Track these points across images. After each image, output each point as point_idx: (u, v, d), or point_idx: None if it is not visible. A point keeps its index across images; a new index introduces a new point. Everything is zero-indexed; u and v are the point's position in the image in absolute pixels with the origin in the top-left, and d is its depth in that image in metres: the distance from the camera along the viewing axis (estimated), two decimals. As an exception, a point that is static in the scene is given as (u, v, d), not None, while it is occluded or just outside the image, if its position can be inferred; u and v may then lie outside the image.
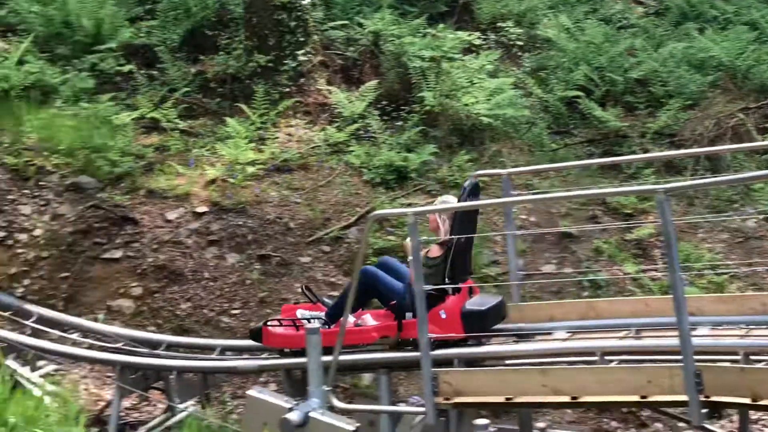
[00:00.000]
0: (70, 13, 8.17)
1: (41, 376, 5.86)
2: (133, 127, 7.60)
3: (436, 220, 5.08)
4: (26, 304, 6.46)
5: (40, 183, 7.13)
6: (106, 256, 6.94)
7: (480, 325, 4.97)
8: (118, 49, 8.27)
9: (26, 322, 6.31)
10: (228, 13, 8.94)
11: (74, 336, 6.36)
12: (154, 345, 6.21)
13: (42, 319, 6.41)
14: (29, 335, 6.14)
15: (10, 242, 6.88)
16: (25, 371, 5.84)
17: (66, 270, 6.88)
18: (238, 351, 6.08)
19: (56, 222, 7.02)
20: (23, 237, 6.90)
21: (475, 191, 5.23)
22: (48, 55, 8.18)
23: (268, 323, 5.39)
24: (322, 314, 5.34)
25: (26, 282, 6.88)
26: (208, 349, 6.13)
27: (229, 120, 7.78)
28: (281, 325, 5.39)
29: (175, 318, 6.78)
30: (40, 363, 6.07)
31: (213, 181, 7.28)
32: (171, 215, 7.14)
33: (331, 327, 5.13)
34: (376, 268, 5.27)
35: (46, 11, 8.33)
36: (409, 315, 4.96)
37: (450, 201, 5.25)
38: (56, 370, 6.19)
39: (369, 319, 5.17)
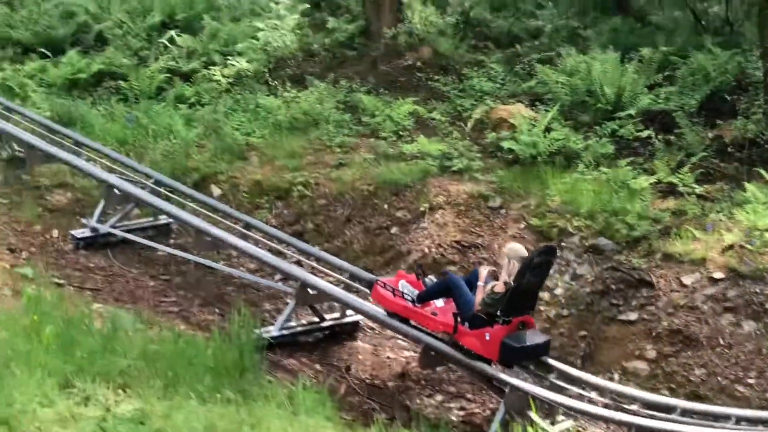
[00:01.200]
0: (593, 82, 9.85)
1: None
2: (650, 191, 8.66)
3: (506, 262, 7.08)
4: (548, 359, 7.50)
5: (562, 244, 8.53)
6: (622, 317, 8.01)
7: (515, 356, 7.10)
8: (637, 115, 9.57)
9: (547, 377, 7.44)
10: (747, 76, 9.84)
11: (591, 394, 7.28)
12: (667, 409, 6.97)
13: (562, 375, 7.40)
14: (549, 389, 7.18)
15: (533, 300, 8.74)
16: (545, 424, 6.88)
17: (584, 329, 8.28)
18: (753, 422, 6.71)
19: (576, 282, 8.42)
20: (545, 295, 8.62)
21: (548, 252, 7.25)
22: (572, 123, 9.83)
23: (379, 281, 7.70)
24: (416, 292, 7.48)
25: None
26: (723, 417, 6.81)
27: (747, 185, 8.41)
28: (384, 287, 7.54)
29: (688, 383, 7.55)
30: (560, 417, 7.17)
31: (730, 247, 7.93)
32: (687, 280, 7.96)
33: (416, 306, 7.41)
34: (461, 278, 7.45)
35: (571, 81, 10.14)
36: (466, 325, 7.13)
37: (516, 248, 7.25)
38: (574, 426, 7.16)
39: (439, 302, 7.43)
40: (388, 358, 8.35)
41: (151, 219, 10.01)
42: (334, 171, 10.28)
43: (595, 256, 8.50)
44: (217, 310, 8.63)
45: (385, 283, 7.70)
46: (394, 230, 9.44)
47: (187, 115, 12.12)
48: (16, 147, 10.89)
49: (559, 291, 8.45)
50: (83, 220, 9.72)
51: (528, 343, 7.18)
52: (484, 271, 7.33)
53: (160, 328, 7.44)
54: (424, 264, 8.74)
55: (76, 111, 12.21)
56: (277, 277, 8.94)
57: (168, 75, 13.19)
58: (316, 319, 8.43)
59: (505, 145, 9.65)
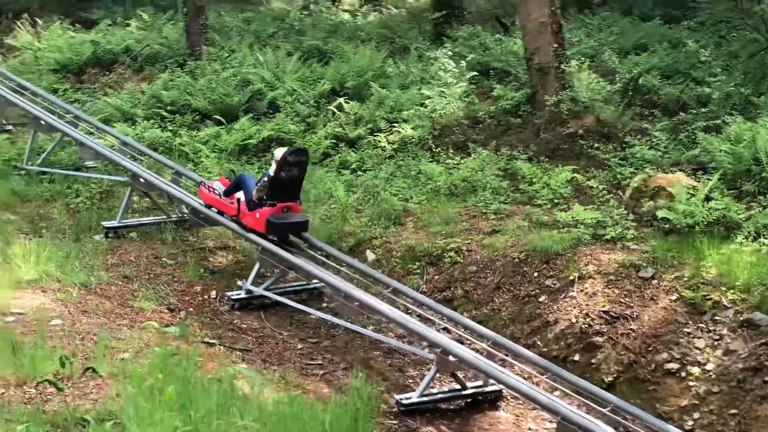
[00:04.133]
0: (758, 151, 10.00)
1: None
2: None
3: (273, 163, 10.49)
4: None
5: (716, 318, 8.68)
6: (777, 396, 8.27)
7: (276, 229, 10.50)
8: None
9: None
10: None
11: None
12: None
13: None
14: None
15: (682, 374, 8.53)
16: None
17: (734, 407, 8.29)
18: None
19: (728, 357, 8.60)
20: (695, 370, 8.64)
21: (298, 152, 10.66)
22: (734, 192, 9.92)
23: (203, 183, 11.64)
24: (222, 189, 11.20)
25: (696, 415, 8.62)
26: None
27: None
28: (206, 187, 11.39)
29: None
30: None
31: None
32: None
33: (222, 198, 11.11)
34: (250, 176, 11.22)
35: (735, 149, 10.26)
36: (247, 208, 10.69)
37: (277, 152, 10.66)
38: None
39: (219, 187, 11.28)
40: (530, 429, 8.62)
41: (304, 282, 10.67)
42: (486, 238, 10.73)
43: (749, 331, 8.51)
44: (360, 374, 9.12)
45: (207, 185, 11.44)
46: (542, 298, 9.75)
47: (349, 180, 12.90)
48: (184, 209, 11.89)
49: (710, 366, 8.49)
50: (239, 282, 10.49)
51: (288, 221, 10.59)
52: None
53: (286, 389, 8.00)
54: (570, 333, 9.05)
55: (243, 176, 13.16)
56: (424, 343, 9.35)
57: (334, 141, 14.08)
58: (458, 387, 8.80)
59: (661, 214, 9.83)
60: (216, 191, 11.28)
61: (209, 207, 11.35)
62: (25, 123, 15.01)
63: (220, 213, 11.18)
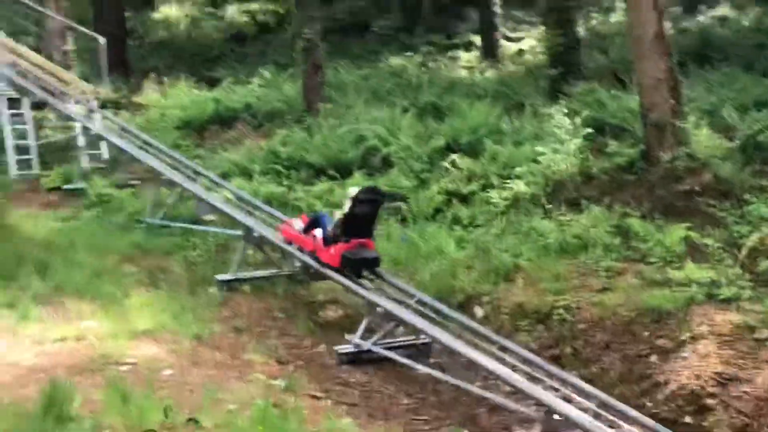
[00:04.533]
0: None
1: None
2: None
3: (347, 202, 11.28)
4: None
5: None
6: None
7: (351, 264, 11.15)
8: None
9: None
10: None
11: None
12: None
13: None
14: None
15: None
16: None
17: None
18: None
19: None
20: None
21: (370, 191, 11.53)
22: None
23: (285, 221, 12.68)
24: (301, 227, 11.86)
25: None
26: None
27: None
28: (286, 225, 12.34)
29: None
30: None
31: None
32: None
33: (301, 235, 11.77)
34: (326, 214, 12.00)
35: None
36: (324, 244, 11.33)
37: (349, 191, 11.70)
38: None
39: (300, 224, 12.04)
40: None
41: (412, 337, 10.73)
42: (596, 295, 10.64)
43: None
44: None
45: (288, 223, 12.38)
46: (652, 358, 9.60)
47: (460, 236, 12.98)
48: (296, 263, 12.12)
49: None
50: (347, 337, 10.63)
51: (361, 256, 11.20)
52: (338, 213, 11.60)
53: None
54: (681, 395, 8.90)
55: (355, 231, 13.37)
56: (530, 401, 9.30)
57: (446, 197, 14.17)
58: (565, 446, 8.72)
59: (778, 273, 9.60)
60: (296, 228, 11.99)
61: (289, 243, 12.06)
62: (149, 178, 15.55)
63: (300, 249, 11.84)
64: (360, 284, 11.11)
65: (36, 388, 7.57)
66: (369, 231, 11.37)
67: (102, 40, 19.04)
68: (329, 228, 11.43)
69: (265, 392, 8.51)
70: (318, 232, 11.55)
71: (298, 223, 12.09)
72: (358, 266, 11.23)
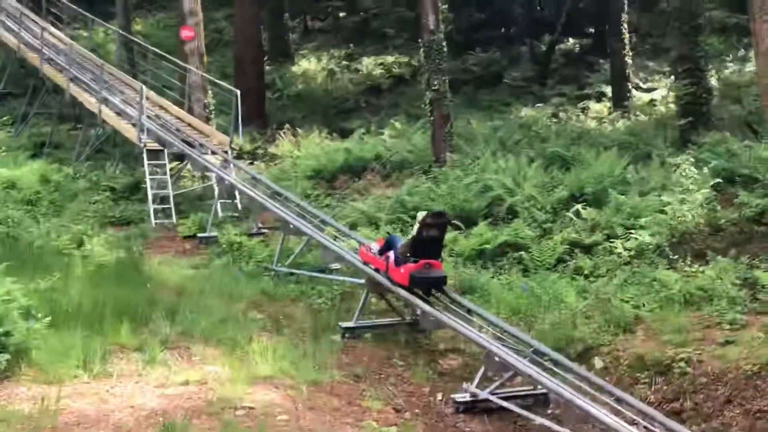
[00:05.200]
0: None
1: None
2: None
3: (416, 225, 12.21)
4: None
5: None
6: None
7: (419, 283, 11.94)
8: None
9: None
10: None
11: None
12: None
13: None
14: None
15: None
16: None
17: None
18: None
19: None
20: None
21: (437, 215, 12.27)
22: None
23: (364, 244, 13.46)
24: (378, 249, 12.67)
25: None
26: None
27: None
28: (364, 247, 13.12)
29: None
30: None
31: None
32: None
33: (377, 257, 12.57)
34: (398, 237, 12.89)
35: None
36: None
37: (419, 216, 12.34)
38: None
39: (376, 247, 12.83)
40: None
41: (530, 387, 10.60)
42: (719, 348, 10.32)
43: None
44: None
45: (366, 246, 13.15)
46: (777, 415, 9.22)
47: (581, 286, 12.80)
48: (417, 312, 12.16)
49: None
50: (464, 385, 10.57)
51: (428, 276, 11.91)
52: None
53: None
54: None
55: (476, 280, 13.41)
56: (647, 456, 9.08)
57: (569, 247, 14.03)
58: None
59: None
60: (372, 251, 12.80)
61: (366, 264, 12.89)
62: (278, 227, 15.88)
63: (377, 270, 12.59)
64: (476, 333, 11.07)
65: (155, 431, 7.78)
66: (436, 252, 12.16)
67: (237, 92, 19.58)
68: (399, 249, 12.18)
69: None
70: (392, 254, 12.25)
71: (375, 246, 12.88)
72: (425, 284, 12.02)
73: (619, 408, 9.58)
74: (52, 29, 27.03)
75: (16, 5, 28.43)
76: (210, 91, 22.82)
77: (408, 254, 12.01)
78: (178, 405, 9.02)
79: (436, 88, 18.74)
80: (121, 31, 27.83)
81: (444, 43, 18.98)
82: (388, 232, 14.12)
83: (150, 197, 18.38)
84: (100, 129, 22.50)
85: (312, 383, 10.32)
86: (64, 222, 17.24)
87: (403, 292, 12.05)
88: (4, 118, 25.59)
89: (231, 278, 14.31)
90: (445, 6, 28.11)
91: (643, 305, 11.77)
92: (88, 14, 27.36)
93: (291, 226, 14.95)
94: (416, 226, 12.13)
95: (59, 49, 25.14)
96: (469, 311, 11.80)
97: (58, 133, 25.02)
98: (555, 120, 22.85)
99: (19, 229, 16.34)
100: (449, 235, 15.04)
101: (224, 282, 14.05)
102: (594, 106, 24.66)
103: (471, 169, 17.63)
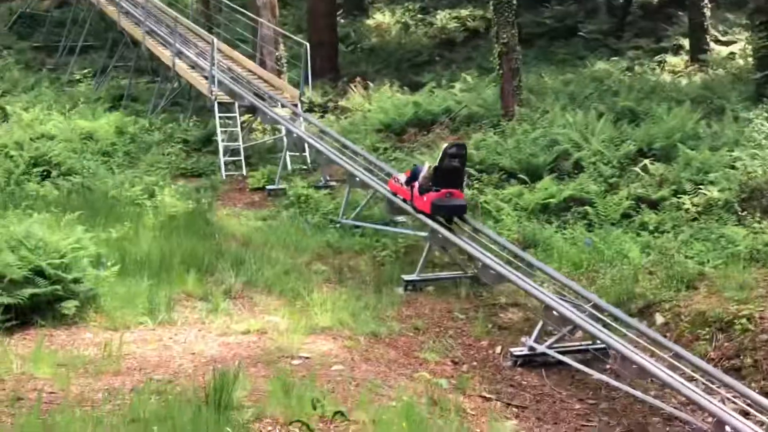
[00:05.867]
0: None
1: None
2: None
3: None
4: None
5: None
6: None
7: (440, 210, 12.66)
8: None
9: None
10: None
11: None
12: None
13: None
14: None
15: None
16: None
17: None
18: None
19: None
20: None
21: (458, 146, 12.98)
22: None
23: (393, 175, 14.14)
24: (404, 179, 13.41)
25: None
26: None
27: None
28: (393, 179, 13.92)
29: None
30: None
31: None
32: None
33: (403, 186, 13.30)
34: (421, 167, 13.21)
35: None
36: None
37: (442, 147, 13.07)
38: None
39: (402, 178, 13.54)
40: None
41: (588, 342, 10.54)
42: (782, 306, 10.09)
43: None
44: (637, 440, 8.92)
45: (395, 177, 13.86)
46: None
47: (645, 242, 12.64)
48: (477, 265, 12.15)
49: None
50: (522, 339, 10.55)
51: (449, 204, 12.62)
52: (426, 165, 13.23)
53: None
54: None
55: (540, 234, 13.34)
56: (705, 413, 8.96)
57: (634, 202, 13.83)
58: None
59: None
60: (400, 182, 13.53)
61: (395, 194, 13.68)
62: (344, 180, 15.95)
63: (404, 200, 13.40)
64: (536, 287, 11.02)
65: (211, 378, 7.93)
66: (457, 181, 12.80)
67: (306, 45, 19.61)
68: (421, 179, 12.85)
69: (428, 390, 8.58)
70: (417, 184, 12.95)
71: (403, 177, 13.53)
72: (445, 212, 12.68)
73: (677, 364, 9.48)
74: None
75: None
76: (282, 45, 22.87)
77: (431, 184, 12.68)
78: (236, 353, 9.18)
79: (505, 41, 18.50)
80: (196, -15, 28.04)
81: (514, -3, 18.71)
82: (414, 164, 14.43)
83: (221, 149, 18.58)
84: (175, 82, 22.77)
85: (371, 335, 10.41)
86: (137, 173, 17.55)
87: (425, 218, 12.79)
88: (86, 71, 25.98)
89: (297, 230, 14.46)
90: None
91: (708, 261, 11.59)
92: (165, -33, 27.61)
93: (357, 178, 15.00)
94: (438, 156, 12.81)
95: (136, 2, 25.44)
96: (530, 265, 11.75)
97: (136, 85, 25.38)
98: (629, 74, 22.42)
99: (94, 180, 16.69)
100: (514, 189, 15.00)
101: (290, 234, 14.20)
102: (671, 60, 24.09)
103: (539, 123, 17.44)
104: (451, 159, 12.66)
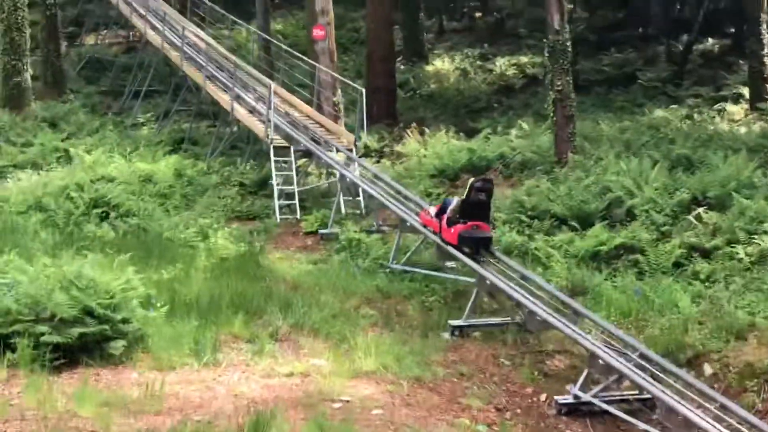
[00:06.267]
0: None
1: None
2: None
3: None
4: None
5: None
6: None
7: (466, 242, 13.12)
8: None
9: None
10: None
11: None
12: None
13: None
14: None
15: None
16: None
17: None
18: None
19: None
20: None
21: (484, 180, 13.62)
22: None
23: (424, 208, 14.86)
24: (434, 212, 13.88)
25: None
26: None
27: None
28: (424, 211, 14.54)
29: None
30: None
31: None
32: None
33: (432, 218, 13.85)
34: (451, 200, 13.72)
35: None
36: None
37: (469, 181, 13.40)
38: None
39: (432, 211, 14.12)
40: None
41: (635, 392, 10.38)
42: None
43: None
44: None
45: (425, 209, 14.46)
46: None
47: (696, 291, 12.48)
48: (524, 311, 12.07)
49: None
50: (567, 387, 10.44)
51: (475, 236, 13.03)
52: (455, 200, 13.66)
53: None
54: None
55: (589, 281, 13.21)
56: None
57: (687, 251, 13.68)
58: None
59: None
60: (430, 214, 14.02)
61: (425, 226, 14.23)
62: (396, 225, 15.98)
63: (433, 232, 13.89)
64: (582, 334, 10.92)
65: (248, 419, 7.98)
66: (484, 215, 13.24)
67: (362, 91, 19.81)
68: (449, 212, 13.30)
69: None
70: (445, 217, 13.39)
71: (433, 210, 14.02)
72: (472, 244, 13.09)
73: (723, 416, 9.30)
74: (194, 27, 27.92)
75: (163, 6, 29.50)
76: (339, 90, 23.11)
77: (458, 216, 13.15)
78: (278, 395, 9.21)
79: (559, 88, 18.52)
80: (258, 31, 28.49)
81: (569, 44, 18.70)
82: (444, 199, 14.89)
83: (276, 193, 18.76)
84: (234, 126, 23.10)
85: (414, 379, 10.37)
86: (193, 215, 17.79)
87: (452, 250, 13.27)
88: (149, 114, 26.53)
89: (347, 274, 14.49)
90: (573, 6, 27.68)
91: (759, 312, 11.38)
92: (229, 15, 28.14)
93: (407, 224, 15.03)
94: (465, 190, 13.23)
95: (199, 47, 25.93)
96: (577, 312, 11.64)
97: (197, 129, 25.79)
98: (688, 121, 22.25)
99: (150, 221, 16.95)
100: (564, 236, 14.95)
101: (340, 277, 14.25)
102: (730, 108, 23.87)
103: (592, 170, 17.36)
104: (477, 192, 13.11)
